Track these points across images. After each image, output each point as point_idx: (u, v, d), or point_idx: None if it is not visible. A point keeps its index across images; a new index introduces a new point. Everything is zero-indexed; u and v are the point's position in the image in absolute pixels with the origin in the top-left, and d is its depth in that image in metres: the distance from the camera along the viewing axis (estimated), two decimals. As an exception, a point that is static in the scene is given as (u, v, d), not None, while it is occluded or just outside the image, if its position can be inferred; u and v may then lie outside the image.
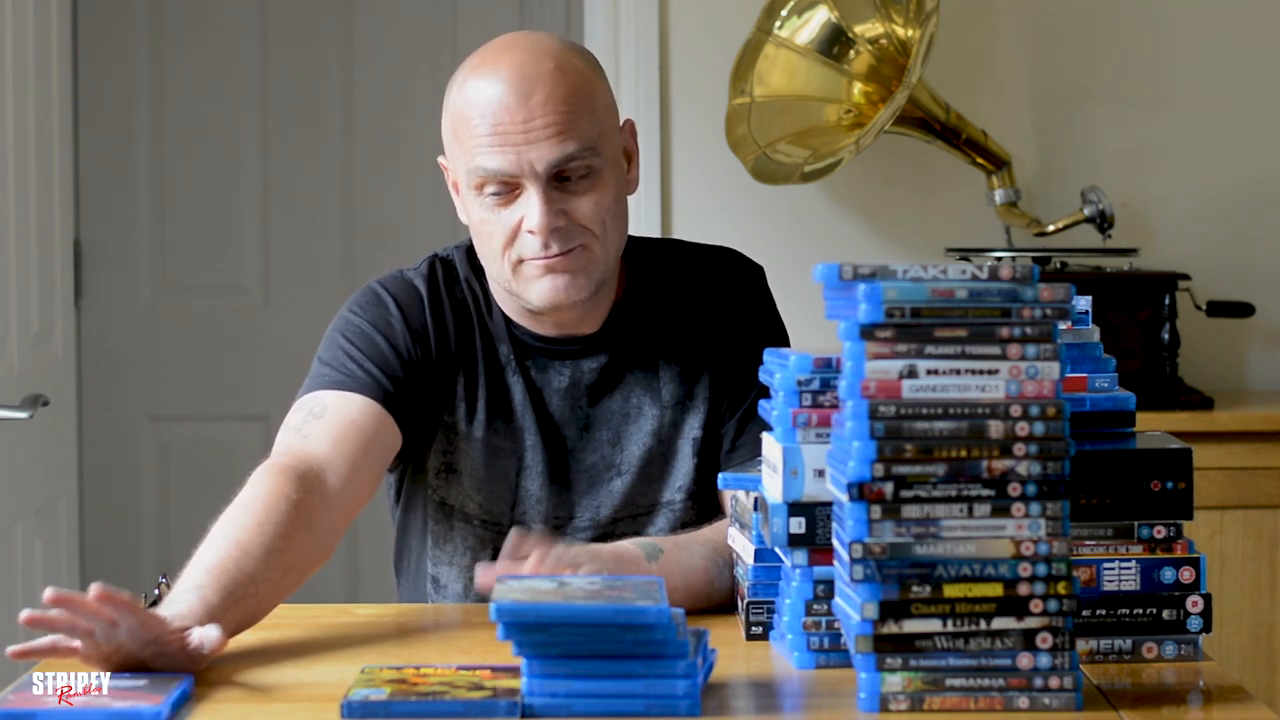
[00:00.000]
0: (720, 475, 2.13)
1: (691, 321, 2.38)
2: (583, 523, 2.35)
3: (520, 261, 2.25)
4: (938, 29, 3.58)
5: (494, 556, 2.32)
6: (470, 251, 2.38)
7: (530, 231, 2.22)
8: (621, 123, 2.33)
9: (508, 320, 2.36)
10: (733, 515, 2.14)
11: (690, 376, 2.36)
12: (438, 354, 2.33)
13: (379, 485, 2.32)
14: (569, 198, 2.24)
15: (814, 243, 3.92)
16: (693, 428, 2.36)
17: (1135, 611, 1.93)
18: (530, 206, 2.22)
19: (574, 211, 2.24)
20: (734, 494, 2.12)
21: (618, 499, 2.35)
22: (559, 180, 2.23)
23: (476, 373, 2.34)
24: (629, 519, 2.35)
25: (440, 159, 2.34)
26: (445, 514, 2.37)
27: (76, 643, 1.84)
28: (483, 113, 2.22)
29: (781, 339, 2.39)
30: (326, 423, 2.24)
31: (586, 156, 2.23)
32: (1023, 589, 1.75)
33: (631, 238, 2.39)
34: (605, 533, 2.34)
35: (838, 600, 1.83)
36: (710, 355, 2.37)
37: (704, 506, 2.37)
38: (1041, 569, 1.74)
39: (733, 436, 2.36)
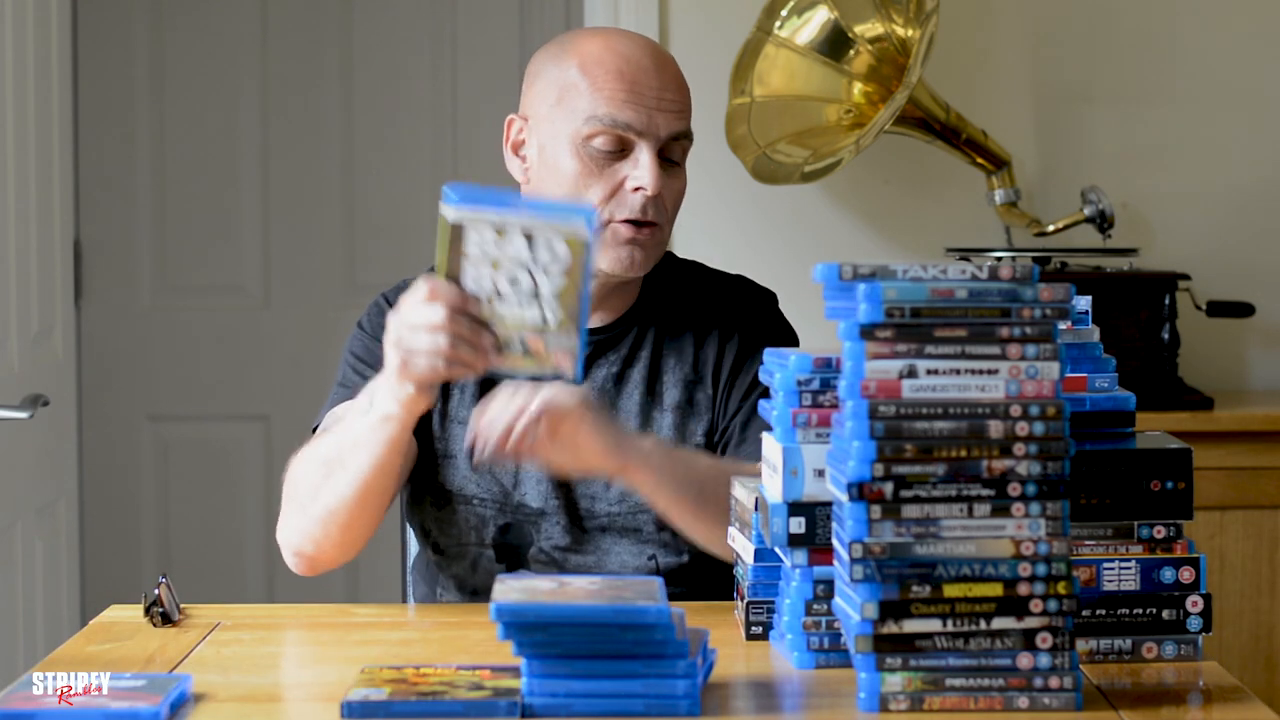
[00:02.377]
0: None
1: (702, 331, 2.42)
2: (583, 506, 2.37)
3: (609, 222, 2.31)
4: (938, 29, 3.58)
5: (497, 533, 2.36)
6: None
7: (638, 189, 2.30)
8: None
9: None
10: (733, 515, 2.14)
11: (695, 384, 2.40)
12: None
13: (402, 487, 2.40)
14: (664, 176, 2.33)
15: (814, 243, 3.92)
16: (694, 434, 2.39)
17: (1135, 611, 1.93)
18: (643, 168, 2.30)
19: (664, 190, 2.33)
20: (734, 494, 2.13)
21: (614, 488, 2.36)
22: (660, 156, 2.32)
23: None
24: (630, 514, 2.36)
25: (513, 116, 2.39)
26: (446, 499, 2.40)
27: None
28: (621, 68, 2.31)
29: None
30: None
31: (688, 142, 2.35)
32: (1023, 589, 1.74)
33: None
34: (605, 524, 2.36)
35: (838, 600, 1.83)
36: (718, 365, 2.40)
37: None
38: (1041, 569, 1.74)
39: (737, 435, 2.38)
